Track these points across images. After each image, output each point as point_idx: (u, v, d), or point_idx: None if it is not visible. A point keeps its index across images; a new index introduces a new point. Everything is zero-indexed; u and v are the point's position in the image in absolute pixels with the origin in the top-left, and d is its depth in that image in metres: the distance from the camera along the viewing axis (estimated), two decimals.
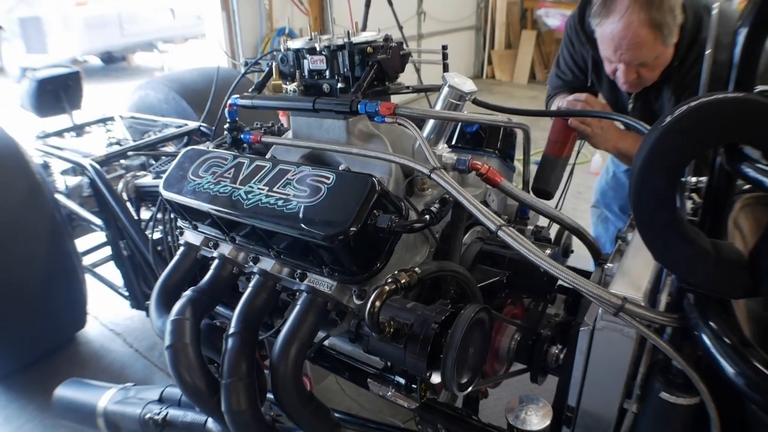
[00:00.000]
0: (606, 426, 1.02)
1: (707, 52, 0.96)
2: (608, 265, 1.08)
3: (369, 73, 1.28)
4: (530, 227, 1.62)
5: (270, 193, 1.21)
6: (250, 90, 1.51)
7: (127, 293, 2.39)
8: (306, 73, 1.41)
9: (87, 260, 2.74)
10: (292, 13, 4.84)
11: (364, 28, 4.70)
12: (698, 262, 0.82)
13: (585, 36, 1.82)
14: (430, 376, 0.98)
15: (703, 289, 0.87)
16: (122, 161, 2.46)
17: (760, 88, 1.16)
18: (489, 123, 1.40)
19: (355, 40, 1.33)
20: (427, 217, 1.08)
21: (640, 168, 0.81)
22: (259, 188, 1.24)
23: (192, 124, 2.53)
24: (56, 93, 2.69)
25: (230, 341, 1.23)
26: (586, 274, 1.60)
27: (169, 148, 2.69)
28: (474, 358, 1.03)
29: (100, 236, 2.51)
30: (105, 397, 1.70)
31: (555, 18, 7.33)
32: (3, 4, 8.10)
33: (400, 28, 4.72)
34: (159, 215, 1.77)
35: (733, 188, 0.93)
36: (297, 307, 1.23)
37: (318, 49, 1.33)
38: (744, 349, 0.79)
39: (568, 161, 1.74)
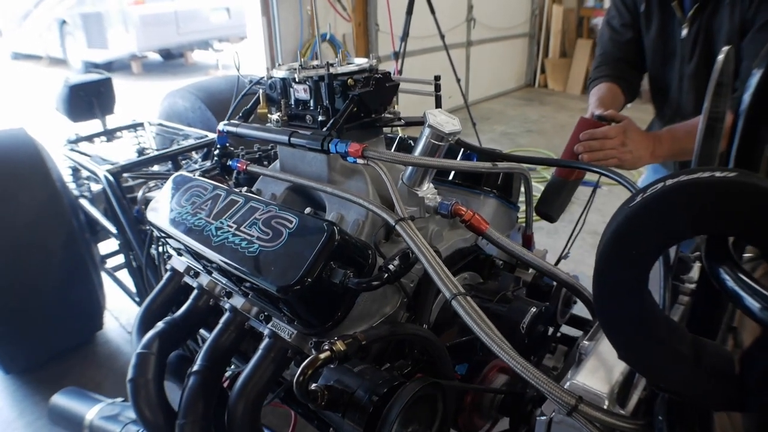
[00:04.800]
0: None
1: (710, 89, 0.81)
2: (584, 342, 0.96)
3: (347, 109, 1.21)
4: (531, 271, 1.51)
5: (237, 232, 1.16)
6: (237, 117, 1.48)
7: (138, 300, 2.43)
8: (292, 102, 1.36)
9: (110, 263, 2.82)
10: (334, 19, 4.82)
11: (405, 36, 4.63)
12: (670, 366, 0.70)
13: None
14: None
15: (676, 396, 0.74)
16: (150, 167, 2.49)
17: None
18: (468, 170, 1.30)
19: (340, 70, 1.27)
20: (385, 275, 1.00)
21: (601, 253, 0.69)
22: (228, 225, 1.20)
23: (211, 136, 2.54)
24: (88, 99, 2.76)
25: (192, 379, 1.20)
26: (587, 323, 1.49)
27: (196, 156, 2.72)
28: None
29: None
30: (93, 411, 1.72)
31: None
32: None
33: (442, 36, 4.63)
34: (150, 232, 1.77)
35: None
36: (259, 351, 1.18)
37: (298, 79, 1.27)
38: None
39: (577, 185, 1.60)
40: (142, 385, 1.23)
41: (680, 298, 1.09)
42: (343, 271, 0.98)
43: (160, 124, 2.94)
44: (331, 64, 1.27)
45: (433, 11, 4.44)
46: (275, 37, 4.41)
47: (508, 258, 1.53)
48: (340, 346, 0.86)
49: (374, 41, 5.25)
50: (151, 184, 2.23)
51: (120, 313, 2.98)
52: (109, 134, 2.90)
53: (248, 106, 1.47)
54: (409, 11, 4.35)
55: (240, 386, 1.15)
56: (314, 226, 1.05)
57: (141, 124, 2.97)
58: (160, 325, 1.33)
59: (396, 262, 1.01)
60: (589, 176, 1.61)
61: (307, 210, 1.13)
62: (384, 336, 0.96)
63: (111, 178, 2.14)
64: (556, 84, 7.93)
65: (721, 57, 0.89)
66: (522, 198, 1.58)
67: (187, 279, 1.48)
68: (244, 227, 1.17)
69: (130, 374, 1.25)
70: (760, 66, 0.67)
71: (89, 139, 2.81)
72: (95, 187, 2.65)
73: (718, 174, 0.62)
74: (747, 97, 0.69)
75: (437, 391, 0.91)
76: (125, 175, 2.24)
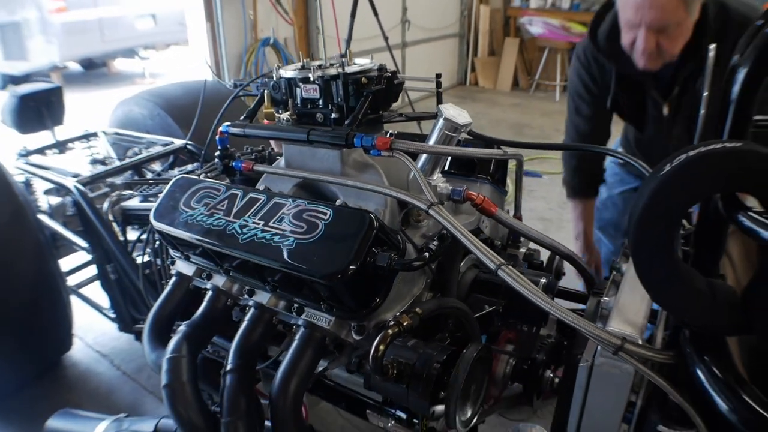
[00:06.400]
0: None
1: (704, 94, 0.98)
2: (604, 298, 1.09)
3: (364, 105, 1.27)
4: (522, 250, 1.63)
5: (266, 228, 1.20)
6: (242, 118, 1.50)
7: (113, 315, 2.35)
8: (299, 101, 1.40)
9: (72, 280, 2.69)
10: (277, 23, 4.81)
11: (349, 39, 4.70)
12: (694, 303, 0.85)
13: (607, 50, 1.81)
14: (433, 413, 0.99)
15: (698, 327, 0.89)
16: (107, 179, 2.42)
17: (759, 118, 1.19)
18: (485, 156, 1.41)
19: (349, 69, 1.33)
20: (426, 254, 1.08)
21: (639, 216, 0.83)
22: (254, 222, 1.23)
23: (178, 143, 2.50)
24: (38, 109, 2.63)
25: (228, 378, 1.22)
26: (579, 297, 1.63)
27: (156, 167, 2.66)
28: (475, 394, 1.04)
29: (85, 255, 2.46)
30: (98, 430, 1.67)
31: (538, 26, 7.39)
32: None
33: (386, 38, 4.74)
34: (146, 239, 1.75)
35: (728, 227, 0.96)
36: (295, 342, 1.21)
37: (311, 78, 1.32)
38: (737, 385, 0.81)
39: None
40: (178, 389, 1.23)
41: None
42: (387, 254, 1.05)
43: (117, 133, 2.84)
44: (339, 65, 1.33)
45: (376, 13, 4.54)
46: (219, 42, 4.35)
47: (501, 240, 1.66)
48: (406, 319, 0.93)
49: (315, 44, 5.28)
50: (126, 193, 2.18)
51: (85, 332, 2.86)
52: (61, 146, 2.77)
53: (251, 107, 1.49)
54: (353, 14, 4.43)
55: (280, 380, 1.17)
56: (351, 215, 1.11)
57: (95, 134, 2.86)
58: (183, 329, 1.33)
59: (435, 243, 1.09)
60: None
61: (339, 201, 1.18)
62: (435, 310, 1.04)
63: (83, 189, 2.07)
64: (487, 81, 8.28)
65: (711, 54, 1.05)
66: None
67: (197, 282, 1.48)
68: (273, 223, 1.20)
69: (164, 380, 1.24)
70: (745, 65, 0.84)
71: (41, 151, 2.69)
72: (54, 201, 2.53)
73: (728, 145, 0.80)
74: (736, 89, 0.86)
75: (489, 354, 1.01)
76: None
